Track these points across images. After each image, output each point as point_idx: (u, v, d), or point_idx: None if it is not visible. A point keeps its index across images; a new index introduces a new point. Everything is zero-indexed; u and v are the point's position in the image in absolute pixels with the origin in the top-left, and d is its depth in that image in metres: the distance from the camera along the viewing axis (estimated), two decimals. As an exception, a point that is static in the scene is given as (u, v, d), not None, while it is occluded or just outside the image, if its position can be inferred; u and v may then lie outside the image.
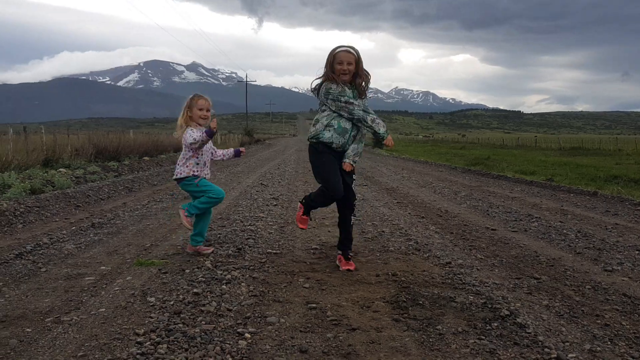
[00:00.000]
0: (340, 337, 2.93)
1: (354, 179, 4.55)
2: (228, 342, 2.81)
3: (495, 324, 3.14)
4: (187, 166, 4.79)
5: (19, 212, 7.38)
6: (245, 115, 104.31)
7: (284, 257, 4.88)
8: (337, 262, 4.60)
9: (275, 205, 8.49)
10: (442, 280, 4.16)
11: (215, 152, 5.07)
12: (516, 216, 7.58)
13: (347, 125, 4.34)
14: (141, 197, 9.82)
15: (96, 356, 2.64)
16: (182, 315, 3.19)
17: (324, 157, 4.38)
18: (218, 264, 4.49)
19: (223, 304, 3.42)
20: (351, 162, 4.40)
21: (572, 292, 3.87)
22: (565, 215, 7.76)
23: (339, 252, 4.64)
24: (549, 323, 3.17)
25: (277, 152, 36.95)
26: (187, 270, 4.26)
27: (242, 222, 6.76)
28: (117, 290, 3.78)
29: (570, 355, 2.70)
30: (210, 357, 2.62)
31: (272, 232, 6.14)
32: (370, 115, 4.30)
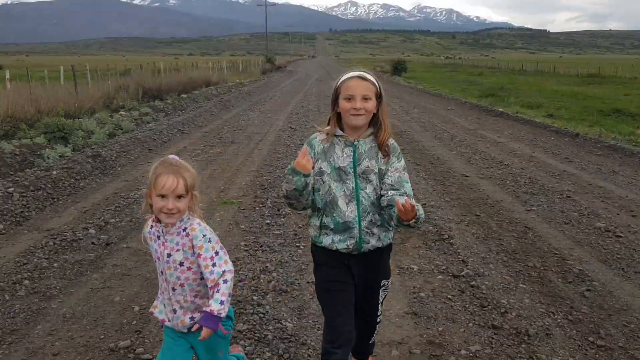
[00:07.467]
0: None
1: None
2: (292, 250, 5.33)
3: (438, 243, 5.60)
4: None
5: (114, 157, 9.92)
6: (264, 35, 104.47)
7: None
8: None
9: (305, 151, 10.90)
10: (417, 216, 6.59)
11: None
12: (490, 163, 9.89)
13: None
14: (195, 141, 12.29)
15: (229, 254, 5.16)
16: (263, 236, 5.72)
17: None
18: (275, 204, 6.98)
19: (285, 230, 5.93)
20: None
21: (494, 224, 6.29)
22: (530, 162, 10.04)
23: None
24: (469, 242, 5.63)
25: (298, 81, 38.88)
26: (257, 208, 6.77)
27: (280, 175, 9.18)
28: (218, 220, 6.32)
29: (470, 259, 5.16)
30: (285, 258, 5.14)
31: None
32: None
